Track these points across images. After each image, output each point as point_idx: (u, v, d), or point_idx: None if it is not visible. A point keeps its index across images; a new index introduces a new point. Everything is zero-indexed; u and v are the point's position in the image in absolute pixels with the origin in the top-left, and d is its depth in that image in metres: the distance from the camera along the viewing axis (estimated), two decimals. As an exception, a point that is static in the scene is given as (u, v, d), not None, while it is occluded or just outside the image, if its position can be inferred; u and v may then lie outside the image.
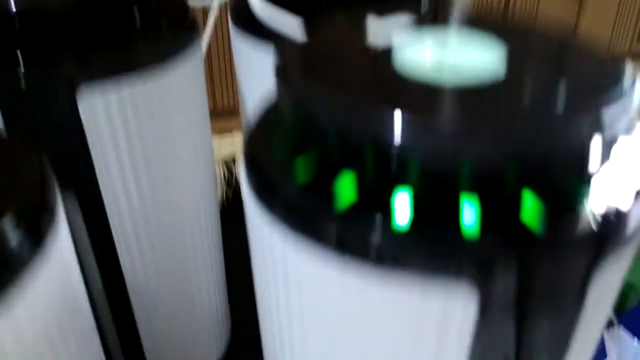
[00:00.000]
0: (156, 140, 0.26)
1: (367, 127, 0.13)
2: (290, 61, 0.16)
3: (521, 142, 0.13)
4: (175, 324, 0.31)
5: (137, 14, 0.24)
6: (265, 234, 0.16)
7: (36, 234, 0.14)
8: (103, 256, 0.27)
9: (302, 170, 0.15)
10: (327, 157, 0.15)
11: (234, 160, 0.51)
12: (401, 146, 0.13)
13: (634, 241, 0.15)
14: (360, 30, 0.17)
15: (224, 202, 0.50)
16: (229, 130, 0.54)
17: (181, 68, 0.26)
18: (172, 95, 0.26)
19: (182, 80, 0.26)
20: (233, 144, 0.52)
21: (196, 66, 0.27)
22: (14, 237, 0.13)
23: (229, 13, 0.32)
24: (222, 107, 0.53)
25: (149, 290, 0.29)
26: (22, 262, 0.13)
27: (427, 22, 0.18)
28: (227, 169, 0.51)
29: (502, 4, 0.55)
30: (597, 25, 0.58)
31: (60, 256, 0.15)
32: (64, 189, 0.17)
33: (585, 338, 0.16)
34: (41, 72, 0.22)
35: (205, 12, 0.46)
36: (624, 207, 0.14)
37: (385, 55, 0.16)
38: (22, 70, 0.22)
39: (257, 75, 0.29)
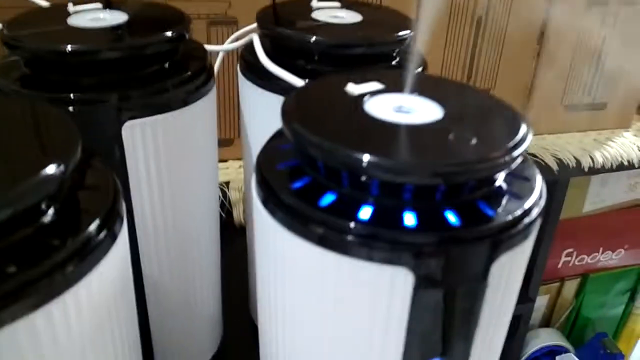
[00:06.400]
0: (179, 161, 0.32)
1: (342, 161, 0.20)
2: (291, 108, 0.23)
3: (447, 172, 0.20)
4: (180, 317, 0.37)
5: (169, 64, 0.31)
6: (268, 230, 0.22)
7: (112, 232, 0.20)
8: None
9: (298, 187, 0.22)
10: (315, 180, 0.21)
11: (227, 186, 0.58)
12: (366, 173, 0.20)
13: (524, 239, 0.21)
14: (341, 91, 0.24)
15: (217, 222, 0.56)
16: (224, 160, 0.60)
17: (201, 104, 0.32)
18: (192, 123, 0.32)
19: (202, 113, 0.33)
20: (227, 172, 0.58)
21: (211, 101, 0.34)
22: (97, 234, 0.20)
23: (236, 62, 0.38)
24: (219, 139, 0.60)
25: (162, 287, 0.35)
26: (103, 249, 0.20)
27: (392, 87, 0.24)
28: (221, 193, 0.57)
29: (467, 64, 0.63)
30: (552, 79, 0.66)
31: (123, 245, 0.22)
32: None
33: (492, 312, 0.22)
34: (96, 107, 0.28)
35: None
36: (516, 215, 0.21)
37: (356, 108, 0.23)
38: (83, 99, 0.28)
39: (259, 114, 0.35)
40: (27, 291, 0.17)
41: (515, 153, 0.21)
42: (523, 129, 0.22)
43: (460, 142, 0.21)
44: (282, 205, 0.21)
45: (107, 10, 0.33)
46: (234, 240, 0.55)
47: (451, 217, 0.20)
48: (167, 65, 0.31)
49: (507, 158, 0.20)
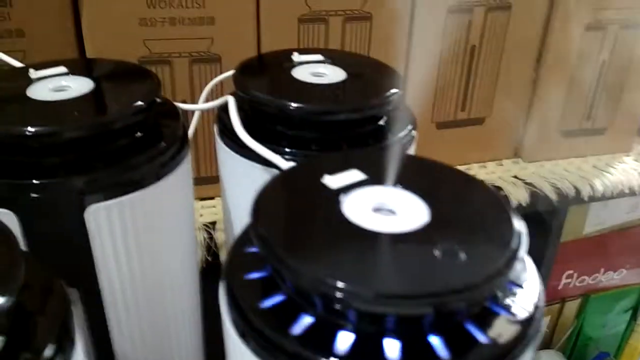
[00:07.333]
0: (149, 235, 0.30)
1: (315, 287, 0.18)
2: (259, 213, 0.21)
3: (433, 303, 0.17)
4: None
5: (137, 137, 0.29)
6: (238, 351, 0.20)
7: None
8: (97, 335, 0.31)
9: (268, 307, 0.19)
10: (288, 297, 0.19)
11: (213, 226, 0.55)
12: (342, 302, 0.18)
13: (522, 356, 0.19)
14: (317, 184, 0.22)
15: (202, 264, 0.53)
16: (210, 197, 0.58)
17: (174, 176, 0.30)
18: (165, 198, 0.30)
19: (175, 185, 0.31)
20: (213, 211, 0.56)
21: (186, 168, 0.32)
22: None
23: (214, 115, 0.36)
24: (205, 175, 0.58)
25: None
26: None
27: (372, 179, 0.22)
28: (207, 234, 0.55)
29: (462, 92, 0.61)
30: (550, 105, 0.64)
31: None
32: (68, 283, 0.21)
33: None
34: (58, 192, 0.26)
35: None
36: (512, 337, 0.19)
37: (333, 209, 0.21)
38: (43, 185, 0.26)
39: (235, 179, 0.33)
40: None
41: (512, 269, 0.19)
42: (518, 231, 0.20)
43: (449, 260, 0.19)
44: (252, 329, 0.19)
45: (71, 75, 0.30)
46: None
47: (439, 349, 0.18)
48: (136, 136, 0.29)
49: (503, 277, 0.18)
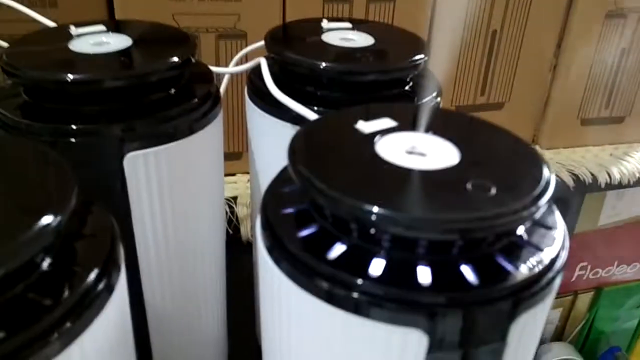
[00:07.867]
0: (182, 187, 0.31)
1: (352, 212, 0.19)
2: (297, 149, 0.22)
3: (464, 228, 0.18)
4: (184, 343, 0.36)
5: (174, 90, 0.30)
6: (272, 279, 0.21)
7: (109, 285, 0.19)
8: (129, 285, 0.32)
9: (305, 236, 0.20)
10: (324, 228, 0.20)
11: (235, 201, 0.56)
12: (377, 226, 0.19)
13: (548, 295, 0.20)
14: (351, 129, 0.23)
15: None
16: (232, 173, 0.59)
17: (208, 130, 0.31)
18: (197, 152, 0.31)
19: (207, 139, 0.32)
20: (235, 187, 0.57)
21: (218, 126, 0.33)
22: (93, 288, 0.18)
23: (244, 82, 0.37)
24: (227, 152, 0.59)
25: (165, 314, 0.33)
26: (98, 305, 0.19)
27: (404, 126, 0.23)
28: (229, 208, 0.56)
29: (482, 77, 0.61)
30: (569, 92, 0.64)
31: (121, 296, 0.21)
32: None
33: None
34: (98, 139, 0.27)
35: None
36: (538, 270, 0.19)
37: (367, 148, 0.22)
38: (84, 131, 0.27)
39: (266, 140, 0.34)
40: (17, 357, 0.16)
41: (540, 204, 0.19)
42: (546, 174, 0.21)
43: (479, 192, 0.19)
44: (287, 255, 0.20)
45: (111, 33, 0.32)
46: (241, 257, 0.53)
47: (469, 274, 0.19)
48: (172, 91, 0.30)
49: (530, 210, 0.19)
